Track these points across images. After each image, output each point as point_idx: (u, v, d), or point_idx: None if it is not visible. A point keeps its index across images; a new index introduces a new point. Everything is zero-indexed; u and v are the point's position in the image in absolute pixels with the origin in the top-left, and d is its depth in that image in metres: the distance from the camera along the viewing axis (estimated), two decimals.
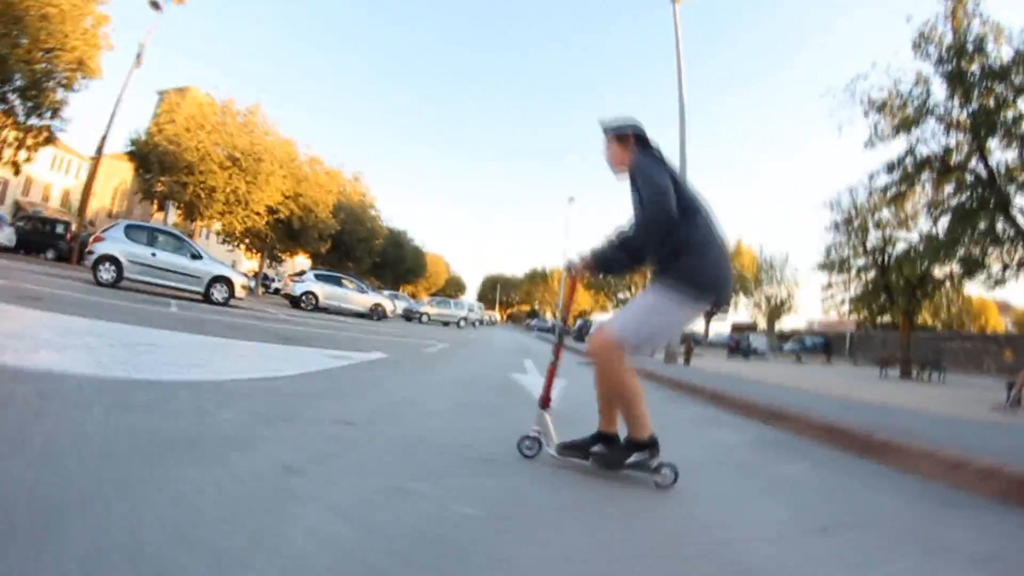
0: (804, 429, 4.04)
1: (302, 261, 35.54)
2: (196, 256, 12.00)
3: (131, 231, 11.72)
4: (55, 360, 3.08)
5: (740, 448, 3.52)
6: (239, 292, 12.31)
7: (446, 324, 26.31)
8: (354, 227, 30.67)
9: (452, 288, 71.23)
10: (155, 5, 19.47)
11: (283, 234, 25.49)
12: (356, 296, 18.84)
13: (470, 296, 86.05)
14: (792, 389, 7.60)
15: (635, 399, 2.18)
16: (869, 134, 14.88)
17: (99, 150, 19.13)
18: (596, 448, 2.29)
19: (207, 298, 11.87)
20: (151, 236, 11.91)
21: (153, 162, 22.22)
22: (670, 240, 2.12)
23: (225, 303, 12.01)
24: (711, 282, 2.15)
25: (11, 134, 17.40)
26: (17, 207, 34.73)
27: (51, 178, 48.23)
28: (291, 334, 7.76)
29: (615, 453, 2.26)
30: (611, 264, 2.40)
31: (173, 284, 11.65)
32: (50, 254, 19.33)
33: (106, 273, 10.97)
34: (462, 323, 27.47)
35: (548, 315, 66.96)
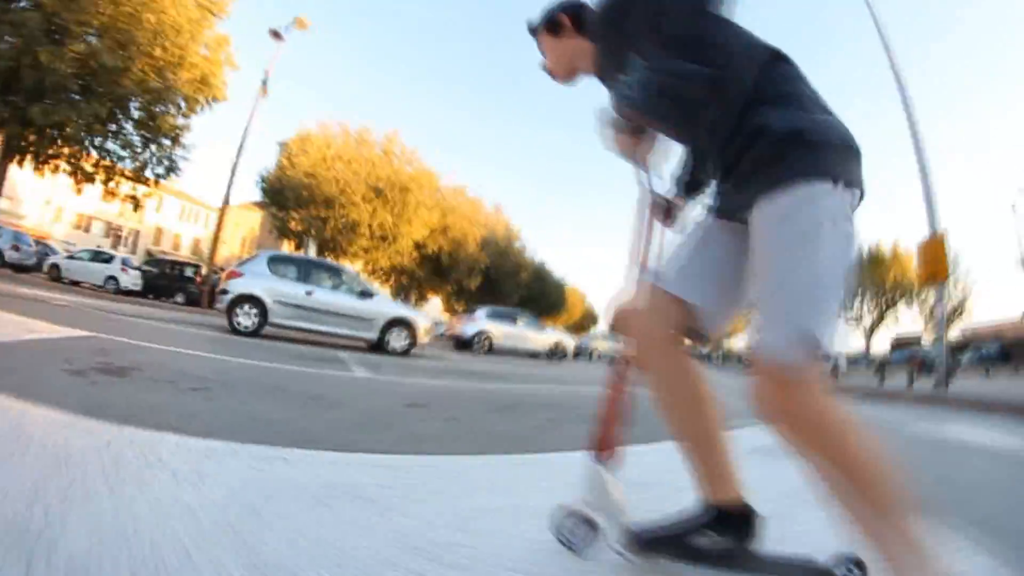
0: None
1: (436, 302, 32.65)
2: (366, 294, 8.40)
3: (276, 264, 8.30)
4: None
5: None
6: (422, 337, 8.49)
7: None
8: (500, 260, 27.34)
9: (587, 320, 66.85)
10: (276, 34, 17.09)
11: (430, 270, 22.54)
12: (533, 335, 15.39)
13: (602, 327, 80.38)
14: None
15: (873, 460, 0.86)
16: None
17: (226, 200, 16.92)
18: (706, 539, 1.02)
19: (379, 346, 8.19)
20: (303, 270, 8.45)
21: (288, 197, 20.07)
22: (742, 97, 0.92)
23: (406, 353, 8.28)
24: (843, 136, 0.91)
25: (127, 165, 15.17)
26: (149, 255, 35.09)
27: (180, 228, 50.38)
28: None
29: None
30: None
31: (335, 330, 8.00)
32: (180, 298, 17.77)
33: (245, 318, 7.52)
34: None
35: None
